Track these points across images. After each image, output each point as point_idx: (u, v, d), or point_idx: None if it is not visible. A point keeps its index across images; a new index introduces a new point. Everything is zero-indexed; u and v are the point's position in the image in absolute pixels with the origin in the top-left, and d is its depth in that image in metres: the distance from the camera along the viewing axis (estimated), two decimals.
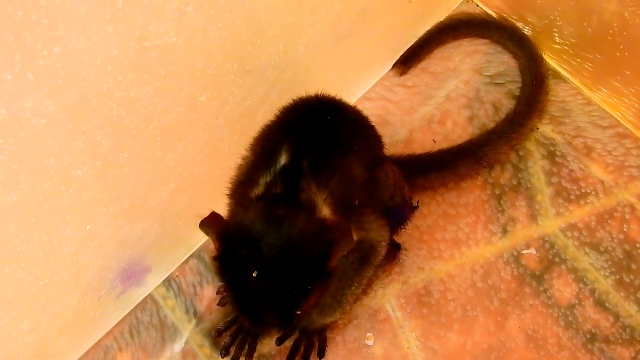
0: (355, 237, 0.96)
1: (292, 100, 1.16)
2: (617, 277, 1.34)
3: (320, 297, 1.02)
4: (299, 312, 0.96)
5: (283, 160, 1.03)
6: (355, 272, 1.17)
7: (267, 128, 1.14)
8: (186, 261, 1.40)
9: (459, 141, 1.42)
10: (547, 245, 1.37)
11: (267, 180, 1.02)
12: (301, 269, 0.95)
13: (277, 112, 1.16)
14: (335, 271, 0.99)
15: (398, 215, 1.29)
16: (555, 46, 1.47)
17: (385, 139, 1.27)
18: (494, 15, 1.55)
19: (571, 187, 1.40)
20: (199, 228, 0.97)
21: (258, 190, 1.02)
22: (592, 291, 1.33)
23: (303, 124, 1.11)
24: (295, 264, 0.95)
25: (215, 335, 1.32)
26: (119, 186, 1.10)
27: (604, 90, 1.44)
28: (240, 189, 1.07)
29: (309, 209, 0.99)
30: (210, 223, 0.97)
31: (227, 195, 1.12)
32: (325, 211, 1.01)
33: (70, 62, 0.86)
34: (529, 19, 1.49)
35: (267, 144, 1.09)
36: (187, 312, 1.36)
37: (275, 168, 1.03)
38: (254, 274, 0.93)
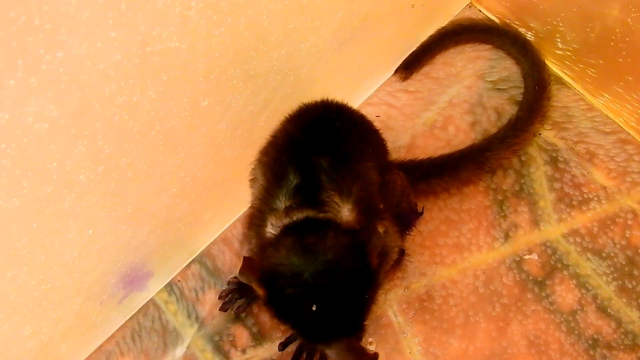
0: (381, 230, 0.96)
1: (297, 108, 1.16)
2: (620, 283, 1.34)
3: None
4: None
5: (296, 179, 1.02)
6: None
7: (274, 141, 1.13)
8: (188, 266, 1.40)
9: (462, 147, 1.42)
10: (549, 251, 1.37)
11: (286, 205, 1.02)
12: (353, 284, 0.95)
13: (283, 121, 1.15)
14: (380, 268, 0.99)
15: (404, 221, 1.29)
16: (558, 52, 1.47)
17: (388, 145, 1.27)
18: (497, 20, 1.55)
19: (573, 192, 1.40)
20: (239, 277, 0.96)
21: (278, 217, 1.01)
22: (595, 297, 1.33)
23: (313, 134, 1.10)
24: (345, 282, 0.94)
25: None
26: (121, 191, 1.10)
27: (607, 96, 1.44)
28: (260, 219, 1.05)
29: (334, 221, 0.99)
30: (248, 270, 0.95)
31: (246, 228, 1.11)
32: (350, 219, 1.01)
33: (73, 67, 0.86)
34: (531, 25, 1.49)
35: (277, 164, 1.08)
36: (189, 317, 1.36)
37: (290, 189, 1.02)
38: (313, 308, 0.92)
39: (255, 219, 1.07)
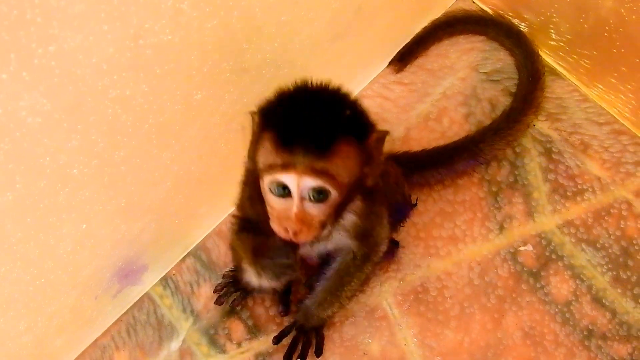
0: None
1: None
2: (614, 273, 1.34)
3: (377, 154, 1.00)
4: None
5: None
6: (357, 268, 1.18)
7: None
8: (183, 260, 1.40)
9: (456, 138, 1.42)
10: (543, 242, 1.37)
11: None
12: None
13: None
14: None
15: (398, 213, 1.29)
16: (552, 43, 1.47)
17: None
18: (490, 12, 1.55)
19: (568, 183, 1.40)
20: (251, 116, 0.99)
21: None
22: (589, 288, 1.33)
23: None
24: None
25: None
26: (115, 185, 1.10)
27: (601, 87, 1.44)
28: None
29: None
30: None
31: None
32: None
33: (65, 61, 0.86)
34: (525, 16, 1.48)
35: None
36: (184, 310, 1.36)
37: None
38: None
39: (250, 175, 1.09)
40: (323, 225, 0.97)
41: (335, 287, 1.21)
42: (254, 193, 1.02)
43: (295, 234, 0.95)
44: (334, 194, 0.94)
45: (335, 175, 0.93)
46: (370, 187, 1.03)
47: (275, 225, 0.97)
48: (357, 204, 1.05)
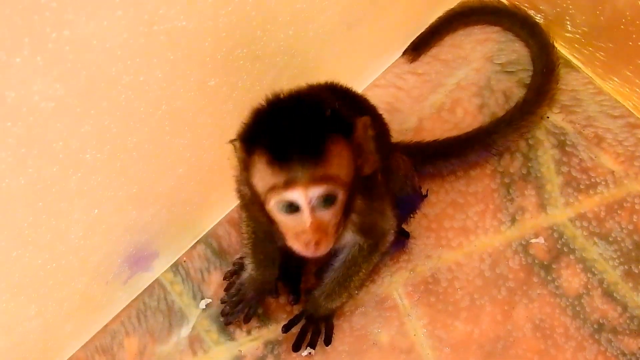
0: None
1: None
2: (626, 267, 1.33)
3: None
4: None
5: None
6: (364, 259, 1.18)
7: None
8: (194, 247, 1.40)
9: (469, 130, 1.41)
10: (555, 235, 1.36)
11: None
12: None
13: None
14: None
15: (408, 205, 1.29)
16: (567, 35, 1.46)
17: (395, 127, 1.26)
18: (506, 2, 1.54)
19: (581, 176, 1.39)
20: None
21: None
22: (601, 281, 1.33)
23: None
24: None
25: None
26: (127, 171, 1.10)
27: (616, 79, 1.43)
28: None
29: None
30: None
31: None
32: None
33: (79, 46, 0.86)
34: (541, 7, 1.47)
35: None
36: (194, 297, 1.36)
37: None
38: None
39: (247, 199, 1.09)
40: (337, 229, 0.97)
41: (343, 278, 1.21)
42: (258, 214, 1.02)
43: (316, 244, 0.93)
44: (340, 195, 0.94)
45: (336, 177, 0.92)
46: (369, 177, 1.02)
47: (293, 243, 0.96)
48: (357, 203, 1.04)
